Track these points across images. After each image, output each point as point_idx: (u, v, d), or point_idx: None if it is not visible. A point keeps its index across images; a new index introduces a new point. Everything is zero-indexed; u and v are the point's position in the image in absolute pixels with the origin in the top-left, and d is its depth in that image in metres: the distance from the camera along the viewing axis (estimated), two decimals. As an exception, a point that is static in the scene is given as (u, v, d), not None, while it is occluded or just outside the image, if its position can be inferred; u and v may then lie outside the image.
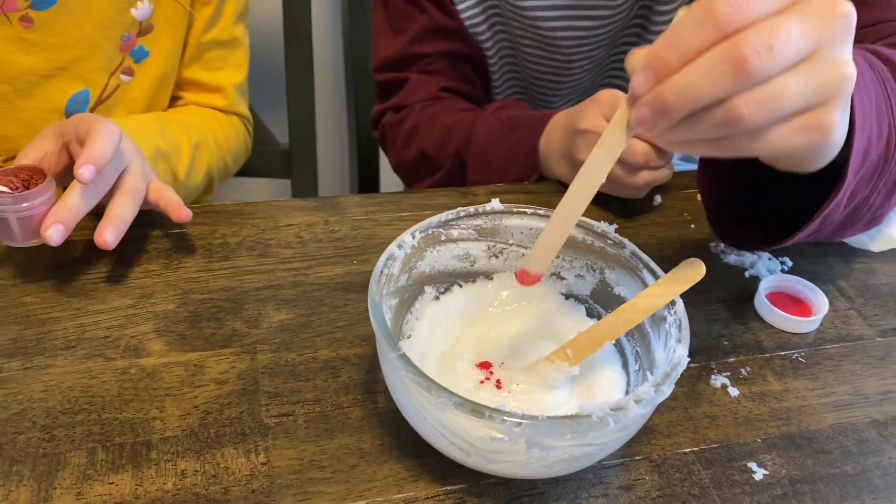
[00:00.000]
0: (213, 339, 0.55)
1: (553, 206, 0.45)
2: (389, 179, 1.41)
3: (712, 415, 0.53)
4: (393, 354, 0.42)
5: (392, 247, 0.49)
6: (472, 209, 0.53)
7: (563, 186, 0.73)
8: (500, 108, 0.80)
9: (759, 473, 0.49)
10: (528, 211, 0.53)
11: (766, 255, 0.65)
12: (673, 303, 0.47)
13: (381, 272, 0.47)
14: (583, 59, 0.85)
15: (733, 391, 0.54)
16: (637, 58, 0.40)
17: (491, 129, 0.78)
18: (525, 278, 0.47)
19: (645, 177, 0.66)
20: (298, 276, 0.61)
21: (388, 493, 0.46)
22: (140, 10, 0.73)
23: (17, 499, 0.44)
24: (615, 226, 0.52)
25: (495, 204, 0.53)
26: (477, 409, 0.40)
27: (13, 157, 0.73)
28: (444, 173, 0.84)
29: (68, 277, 0.58)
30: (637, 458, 0.49)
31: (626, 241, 0.51)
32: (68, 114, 0.73)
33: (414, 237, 0.50)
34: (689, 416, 0.52)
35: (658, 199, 0.72)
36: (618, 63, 0.89)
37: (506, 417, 0.40)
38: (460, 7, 0.83)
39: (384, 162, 1.33)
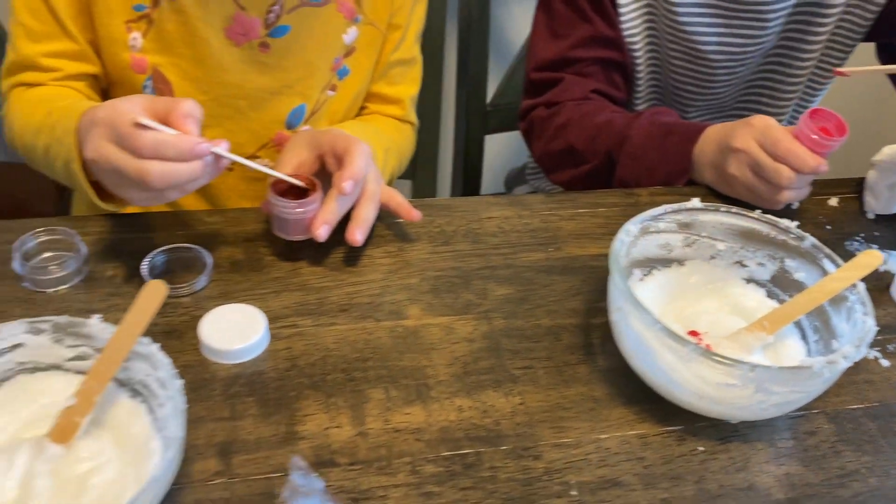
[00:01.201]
0: (454, 306, 0.67)
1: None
2: (488, 184, 1.53)
3: (870, 380, 0.64)
4: (648, 316, 0.54)
5: (621, 235, 0.61)
6: (676, 206, 0.64)
7: (711, 191, 0.84)
8: (655, 114, 0.90)
9: (916, 426, 0.60)
10: (722, 208, 0.65)
11: (897, 251, 0.77)
12: (854, 285, 0.58)
13: (619, 253, 0.59)
14: (727, 75, 0.96)
15: (884, 362, 0.66)
16: None
17: (646, 133, 0.88)
18: None
19: (787, 195, 0.77)
20: (508, 259, 0.72)
21: (623, 430, 0.58)
22: (349, 35, 0.85)
23: (341, 422, 0.56)
24: (797, 222, 0.63)
25: (695, 202, 0.65)
26: (721, 358, 0.52)
27: None
28: (591, 167, 0.93)
29: (326, 256, 0.70)
30: (815, 411, 0.61)
31: (806, 234, 0.63)
32: (288, 125, 0.86)
33: (636, 227, 0.62)
34: (851, 380, 0.64)
35: (795, 203, 0.83)
36: (756, 84, 1.00)
37: (744, 365, 0.51)
38: (623, 18, 0.93)
39: (486, 169, 1.45)
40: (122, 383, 0.52)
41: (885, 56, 0.99)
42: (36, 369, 0.52)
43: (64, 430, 0.48)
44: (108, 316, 0.54)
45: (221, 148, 0.60)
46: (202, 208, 0.89)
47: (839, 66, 1.01)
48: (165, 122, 0.58)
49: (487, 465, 0.54)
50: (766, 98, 1.01)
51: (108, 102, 0.60)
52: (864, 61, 1.04)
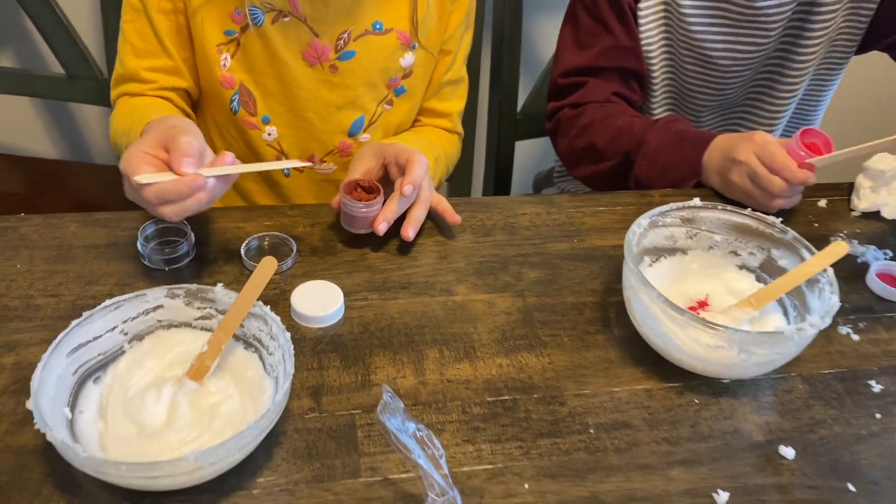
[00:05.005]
0: (494, 286, 0.80)
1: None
2: (518, 186, 1.66)
3: (842, 351, 0.76)
4: (654, 293, 0.67)
5: (633, 227, 0.74)
6: (680, 204, 0.78)
7: (715, 193, 0.97)
8: (670, 121, 1.03)
9: (877, 388, 0.73)
10: (719, 206, 0.78)
11: (874, 247, 0.89)
12: (825, 270, 0.71)
13: (631, 243, 0.72)
14: (734, 78, 1.09)
15: (855, 337, 0.78)
16: None
17: (662, 138, 1.00)
18: None
19: (779, 203, 0.89)
20: (539, 248, 0.86)
21: (632, 385, 0.71)
22: (406, 60, 0.99)
23: (406, 374, 0.70)
24: (780, 219, 0.76)
25: (696, 201, 0.78)
26: (711, 324, 0.65)
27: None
28: (611, 165, 1.05)
29: (387, 244, 0.85)
30: (793, 374, 0.74)
31: (788, 228, 0.75)
32: (350, 134, 1.00)
33: (645, 221, 0.75)
34: (826, 351, 0.76)
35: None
36: (759, 84, 1.13)
37: (728, 329, 0.64)
38: (642, 29, 1.06)
39: (515, 172, 1.58)
40: (237, 338, 0.67)
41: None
42: (171, 326, 0.67)
43: (198, 371, 0.63)
44: (220, 287, 0.68)
45: (228, 160, 0.69)
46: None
47: (839, 70, 1.14)
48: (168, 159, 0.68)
49: (523, 408, 0.68)
50: (767, 97, 1.14)
51: (127, 151, 0.70)
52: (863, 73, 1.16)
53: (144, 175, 0.66)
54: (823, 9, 1.04)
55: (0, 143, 1.71)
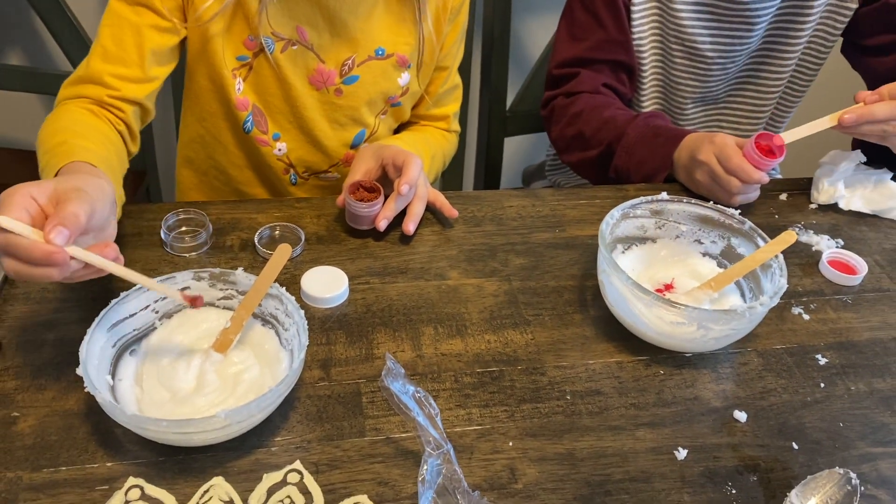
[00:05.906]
0: (483, 271, 0.89)
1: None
2: (507, 180, 1.74)
3: (793, 329, 0.86)
4: (623, 276, 0.76)
5: (606, 218, 0.83)
6: (650, 197, 0.86)
7: (683, 188, 1.06)
8: (648, 117, 1.11)
9: (823, 361, 0.82)
10: (685, 199, 0.87)
11: (827, 235, 0.98)
12: (776, 256, 0.80)
13: (605, 232, 0.81)
14: (718, 71, 1.18)
15: (806, 316, 0.87)
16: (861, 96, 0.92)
17: (640, 132, 1.08)
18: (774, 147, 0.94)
19: (738, 199, 0.98)
20: (524, 237, 0.95)
21: (605, 358, 0.80)
22: (403, 79, 1.07)
23: (405, 348, 0.79)
24: (738, 210, 0.85)
25: (663, 195, 0.86)
26: (672, 303, 0.74)
27: (316, 173, 1.10)
28: (596, 154, 1.14)
29: (387, 234, 0.93)
30: (748, 349, 0.83)
31: (746, 219, 0.84)
32: (353, 146, 1.09)
33: (618, 213, 0.84)
34: (779, 328, 0.85)
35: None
36: (742, 80, 1.22)
37: (687, 307, 0.73)
38: (635, 24, 1.15)
39: (505, 167, 1.66)
40: (255, 316, 0.75)
41: (850, 53, 1.21)
42: (196, 305, 0.75)
43: (223, 344, 0.71)
44: (239, 271, 0.77)
45: (109, 255, 0.63)
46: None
47: (818, 67, 1.22)
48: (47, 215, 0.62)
49: (508, 378, 0.77)
50: (751, 93, 1.23)
51: (20, 184, 0.63)
52: (834, 70, 1.25)
53: (6, 218, 0.60)
54: (811, 10, 1.13)
55: (11, 138, 1.78)
